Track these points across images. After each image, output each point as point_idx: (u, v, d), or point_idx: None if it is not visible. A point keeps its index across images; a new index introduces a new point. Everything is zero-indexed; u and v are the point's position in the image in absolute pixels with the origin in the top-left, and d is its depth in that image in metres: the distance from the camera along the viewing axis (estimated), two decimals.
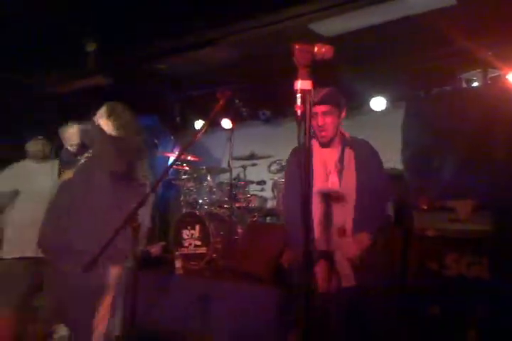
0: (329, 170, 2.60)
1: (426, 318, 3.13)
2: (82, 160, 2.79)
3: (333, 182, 2.57)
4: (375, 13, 3.74)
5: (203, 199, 5.10)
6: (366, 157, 2.64)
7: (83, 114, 3.02)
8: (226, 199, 4.86)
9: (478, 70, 4.31)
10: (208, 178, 5.18)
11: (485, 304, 3.01)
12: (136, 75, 5.18)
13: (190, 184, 5.19)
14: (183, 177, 5.24)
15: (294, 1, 3.57)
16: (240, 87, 5.17)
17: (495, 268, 3.09)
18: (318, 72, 1.59)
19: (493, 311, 2.98)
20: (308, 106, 1.52)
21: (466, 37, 3.91)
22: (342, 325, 2.46)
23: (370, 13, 3.70)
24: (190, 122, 6.41)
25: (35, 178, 3.50)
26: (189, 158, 5.28)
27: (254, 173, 5.22)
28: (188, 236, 4.54)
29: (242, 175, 5.18)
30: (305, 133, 1.54)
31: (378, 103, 5.11)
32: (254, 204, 4.89)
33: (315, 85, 1.55)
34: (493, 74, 4.27)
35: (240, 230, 4.54)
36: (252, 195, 4.97)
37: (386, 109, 5.11)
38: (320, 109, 2.55)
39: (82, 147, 2.89)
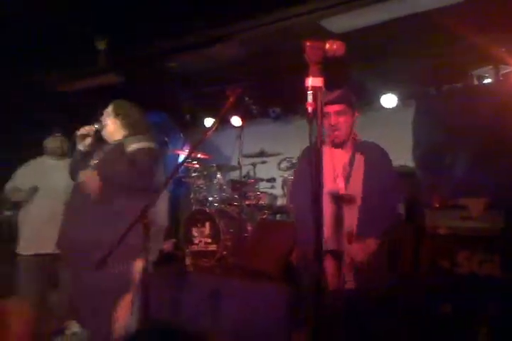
0: (336, 174, 2.59)
1: (437, 316, 3.12)
2: (96, 161, 2.77)
3: (339, 186, 2.57)
4: (385, 10, 3.71)
5: (212, 197, 5.10)
6: (376, 163, 2.62)
7: (91, 113, 3.03)
8: (236, 196, 4.87)
9: (490, 67, 4.26)
10: (218, 176, 5.18)
11: (497, 302, 2.99)
12: (147, 73, 5.19)
13: (200, 181, 5.20)
14: (193, 174, 5.25)
15: None
16: (249, 84, 5.17)
17: (507, 266, 3.07)
18: (329, 69, 1.58)
19: (505, 309, 2.96)
20: (319, 104, 1.52)
21: (477, 33, 3.86)
22: (346, 324, 2.46)
23: (380, 9, 3.67)
24: (200, 120, 6.41)
25: (53, 175, 3.52)
26: (199, 155, 5.29)
27: (264, 171, 5.22)
28: (198, 233, 4.55)
29: (251, 173, 5.19)
30: (316, 131, 1.53)
31: (389, 100, 5.08)
32: (264, 201, 4.89)
33: (326, 82, 1.54)
34: (505, 71, 4.23)
35: (249, 228, 4.53)
36: (261, 193, 4.97)
37: (397, 106, 5.09)
38: (333, 108, 2.54)
39: (94, 148, 2.88)
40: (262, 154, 5.06)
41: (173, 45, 4.45)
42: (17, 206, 3.73)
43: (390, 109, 5.12)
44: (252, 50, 4.63)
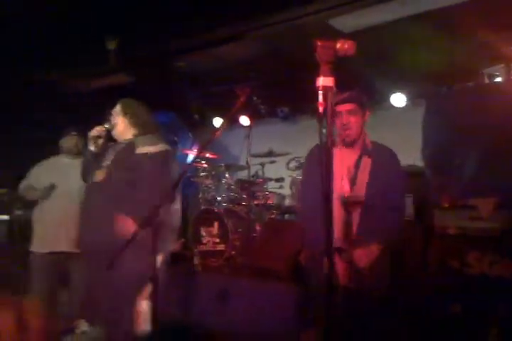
0: (342, 175, 2.59)
1: (447, 317, 3.10)
2: (108, 162, 2.78)
3: (345, 188, 2.57)
4: (395, 9, 3.70)
5: (221, 197, 5.11)
6: (383, 164, 2.61)
7: (101, 112, 3.04)
8: (244, 196, 4.86)
9: (501, 65, 4.22)
10: (227, 175, 5.19)
11: (507, 303, 2.97)
12: (155, 73, 5.21)
13: (209, 181, 5.20)
14: (202, 174, 5.25)
15: None
16: (258, 84, 5.17)
17: None
18: (340, 68, 1.58)
19: None
20: (329, 103, 1.51)
21: (488, 31, 3.84)
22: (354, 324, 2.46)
23: (390, 8, 3.66)
24: (209, 119, 6.43)
25: (69, 173, 3.54)
26: (207, 155, 5.30)
27: (272, 170, 5.22)
28: (206, 233, 4.56)
29: (260, 173, 5.18)
30: (326, 130, 1.53)
31: (398, 99, 5.08)
32: (273, 201, 4.88)
33: (336, 82, 1.54)
34: None
35: (258, 227, 4.54)
36: (270, 193, 4.96)
37: (406, 105, 5.08)
38: (344, 107, 2.55)
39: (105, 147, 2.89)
40: (270, 154, 5.06)
41: (182, 45, 4.46)
42: (29, 205, 3.76)
43: (399, 108, 5.12)
44: (260, 50, 4.63)
